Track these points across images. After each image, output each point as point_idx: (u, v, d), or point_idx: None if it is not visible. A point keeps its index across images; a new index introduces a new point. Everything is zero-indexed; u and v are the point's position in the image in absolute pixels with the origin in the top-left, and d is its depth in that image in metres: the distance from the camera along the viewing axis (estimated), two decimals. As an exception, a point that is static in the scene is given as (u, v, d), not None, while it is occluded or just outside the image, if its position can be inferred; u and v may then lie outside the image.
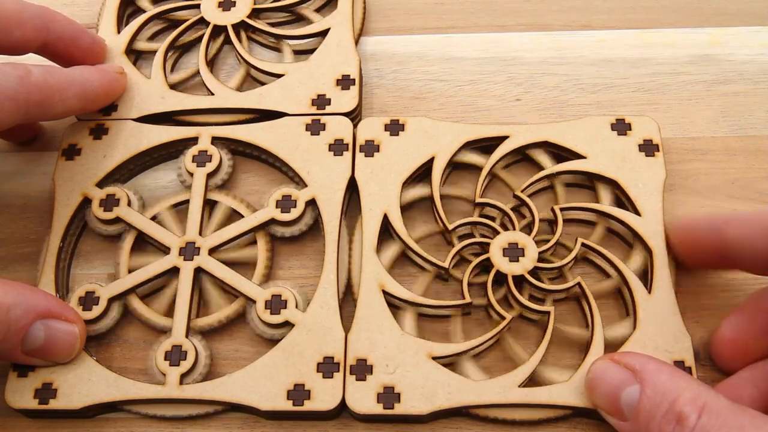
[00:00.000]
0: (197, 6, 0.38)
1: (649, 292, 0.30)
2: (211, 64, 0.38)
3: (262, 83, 0.37)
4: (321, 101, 0.35)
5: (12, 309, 0.28)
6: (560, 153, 0.33)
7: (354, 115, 0.35)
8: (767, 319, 0.28)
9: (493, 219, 0.32)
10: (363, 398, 0.28)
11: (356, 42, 0.37)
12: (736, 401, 0.25)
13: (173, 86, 0.37)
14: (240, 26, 0.38)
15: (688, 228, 0.30)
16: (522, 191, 0.32)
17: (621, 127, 0.33)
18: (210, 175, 0.34)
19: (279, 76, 0.36)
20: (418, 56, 0.38)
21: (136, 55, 0.38)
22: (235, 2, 0.38)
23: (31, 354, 0.29)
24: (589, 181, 0.33)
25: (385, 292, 0.30)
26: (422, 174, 0.33)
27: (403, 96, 0.37)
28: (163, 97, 0.36)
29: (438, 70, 0.38)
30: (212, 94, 0.36)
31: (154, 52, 0.37)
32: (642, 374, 0.26)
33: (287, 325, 0.30)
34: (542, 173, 0.32)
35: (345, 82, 0.35)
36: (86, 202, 0.33)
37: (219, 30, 0.38)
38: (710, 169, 0.34)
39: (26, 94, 0.30)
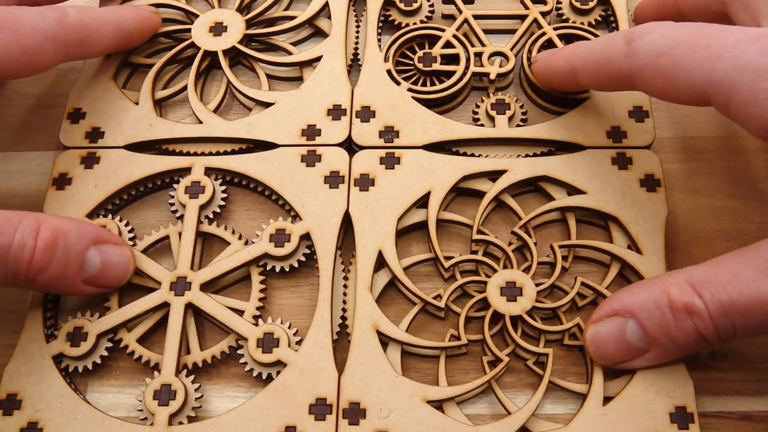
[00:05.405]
0: (188, 30, 0.37)
1: (651, 334, 0.29)
2: (200, 86, 0.37)
3: (249, 109, 0.36)
4: (311, 131, 0.34)
5: (69, 234, 0.28)
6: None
7: (345, 146, 0.34)
8: None
9: (492, 255, 0.31)
10: (355, 444, 0.28)
11: (349, 70, 0.36)
12: None
13: (162, 104, 0.36)
14: (230, 52, 0.37)
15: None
16: (522, 227, 0.31)
17: (622, 161, 0.32)
18: (203, 207, 0.33)
19: (269, 104, 0.35)
20: None
21: (132, 68, 0.38)
22: (226, 27, 0.37)
23: (89, 282, 0.30)
24: (601, 218, 0.32)
25: (379, 332, 0.29)
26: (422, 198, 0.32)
27: None
28: (150, 124, 0.35)
29: None
30: (201, 122, 0.35)
31: (148, 66, 0.37)
32: (625, 308, 0.27)
33: (279, 364, 0.30)
34: (537, 210, 0.32)
35: (336, 112, 0.34)
36: (76, 234, 0.33)
37: (209, 55, 0.37)
38: (710, 169, 0.34)
39: (65, 35, 0.32)
